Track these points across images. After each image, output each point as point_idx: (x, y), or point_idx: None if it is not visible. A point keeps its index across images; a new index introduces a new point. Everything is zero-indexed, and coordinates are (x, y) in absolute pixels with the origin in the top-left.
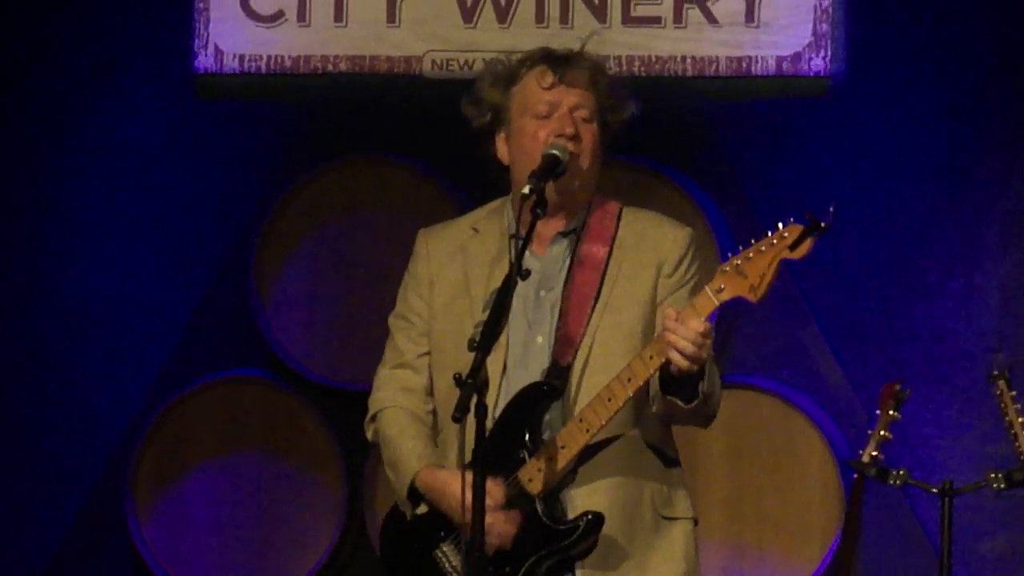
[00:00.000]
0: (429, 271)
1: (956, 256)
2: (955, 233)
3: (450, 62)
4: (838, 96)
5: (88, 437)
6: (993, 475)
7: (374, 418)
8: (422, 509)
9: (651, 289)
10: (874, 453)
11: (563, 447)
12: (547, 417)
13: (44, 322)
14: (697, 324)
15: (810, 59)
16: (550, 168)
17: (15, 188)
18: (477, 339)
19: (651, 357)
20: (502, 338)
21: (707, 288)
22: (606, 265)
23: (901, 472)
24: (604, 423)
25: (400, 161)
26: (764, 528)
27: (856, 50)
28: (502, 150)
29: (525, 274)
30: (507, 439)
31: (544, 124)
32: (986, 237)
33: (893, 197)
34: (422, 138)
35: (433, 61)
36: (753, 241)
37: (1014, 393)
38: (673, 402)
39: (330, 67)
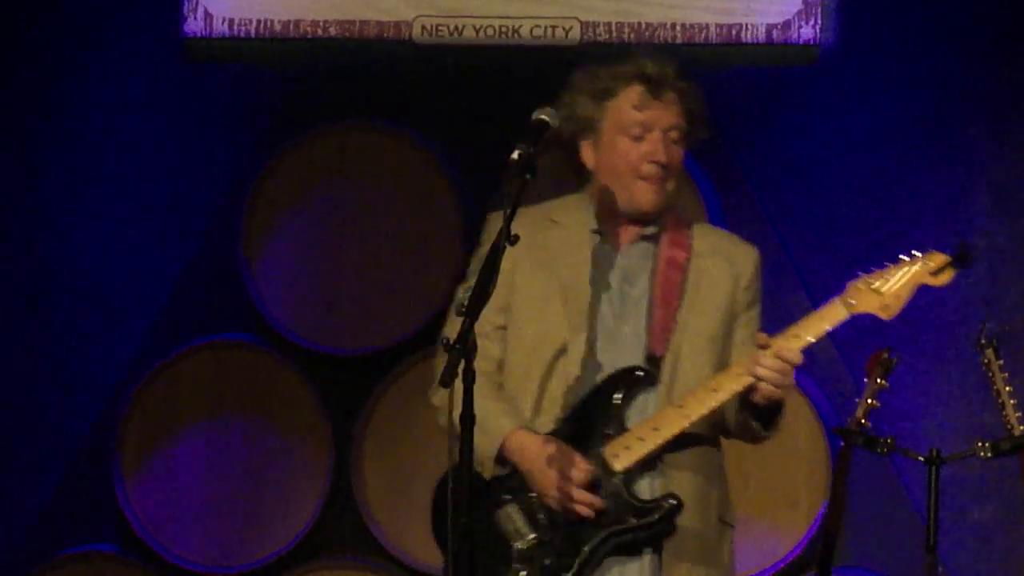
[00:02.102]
0: (510, 251)
1: (944, 224)
2: (944, 201)
3: (439, 28)
4: (827, 64)
5: (75, 400)
6: (980, 444)
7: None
8: (502, 471)
9: (729, 296)
10: (861, 421)
11: (656, 429)
12: (635, 403)
13: (31, 286)
14: (796, 355)
15: (800, 27)
16: (538, 132)
17: (3, 152)
18: (466, 304)
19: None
20: (582, 323)
21: (838, 299)
22: (687, 269)
23: (888, 440)
24: (706, 413)
25: (388, 126)
26: (750, 496)
27: (846, 18)
28: (587, 156)
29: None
30: (595, 415)
31: (635, 146)
32: (975, 205)
33: (881, 165)
34: (411, 103)
35: (423, 26)
36: (888, 264)
37: (1001, 362)
38: (747, 421)
39: (319, 32)
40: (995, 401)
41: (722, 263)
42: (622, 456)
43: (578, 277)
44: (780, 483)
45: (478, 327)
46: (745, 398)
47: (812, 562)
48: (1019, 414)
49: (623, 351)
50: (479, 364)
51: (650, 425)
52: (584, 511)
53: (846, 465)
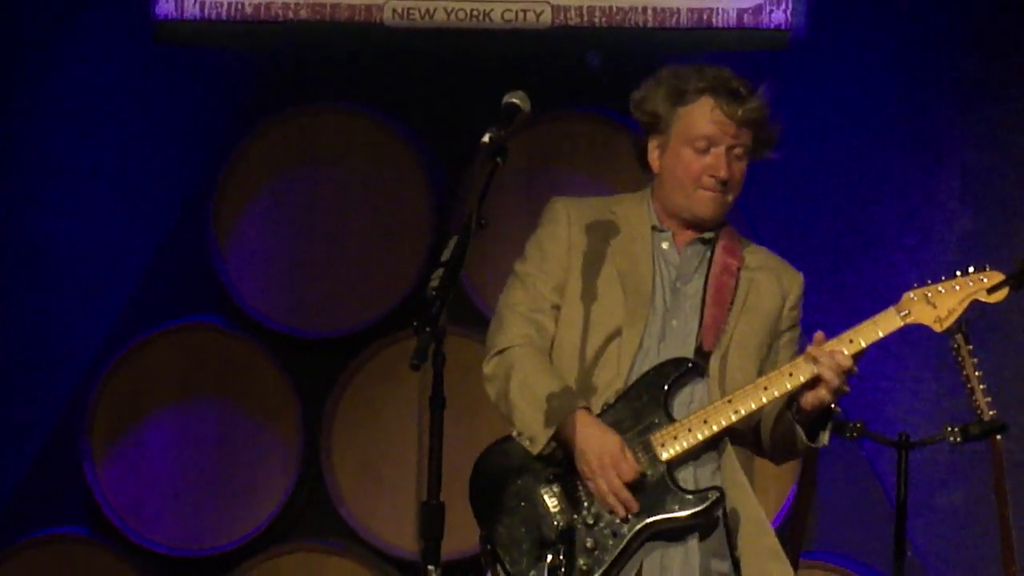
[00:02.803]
0: (569, 235)
1: (913, 209)
2: (912, 187)
3: (411, 11)
4: (798, 49)
5: (45, 383)
6: (949, 429)
7: (503, 353)
8: (549, 449)
9: (776, 312)
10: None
11: (705, 422)
12: (680, 394)
13: (1, 268)
14: (848, 361)
15: (771, 12)
16: (508, 115)
17: None
18: (436, 287)
19: (814, 361)
20: (644, 312)
21: (892, 309)
22: (738, 277)
23: (858, 424)
24: (755, 409)
25: (360, 109)
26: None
27: (816, 3)
28: (653, 156)
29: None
30: (643, 402)
31: (699, 159)
32: (943, 191)
33: (851, 151)
34: (382, 87)
35: (394, 10)
36: (944, 278)
37: (971, 347)
38: (792, 428)
39: (291, 15)
40: (964, 386)
41: (772, 279)
42: (669, 445)
43: (639, 268)
44: (750, 467)
45: (537, 303)
46: (791, 405)
47: (782, 546)
48: (988, 399)
49: (672, 344)
50: (534, 339)
51: (700, 417)
52: (619, 510)
53: (815, 450)
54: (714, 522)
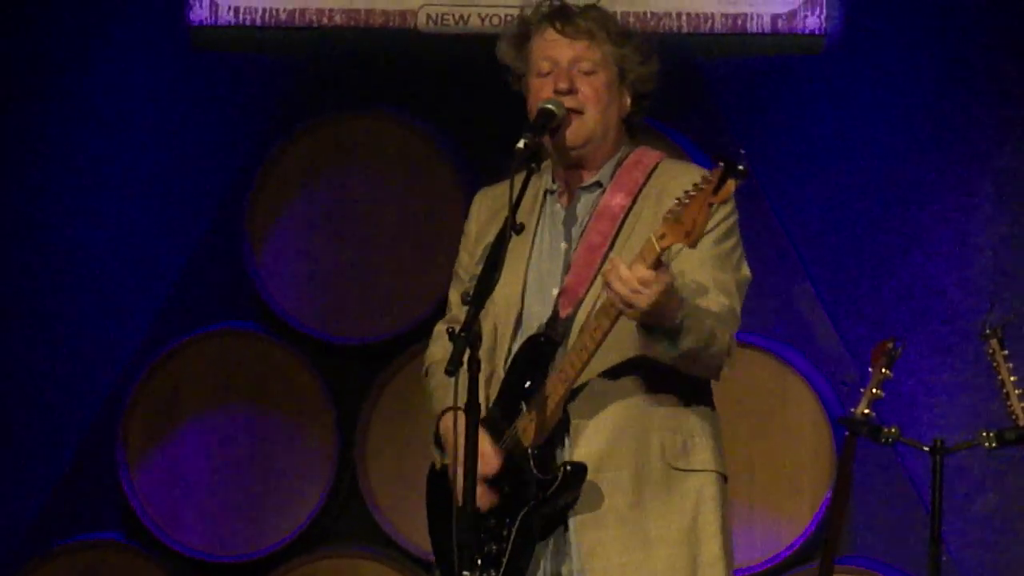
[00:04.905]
0: (477, 229)
1: (949, 213)
2: (949, 191)
3: (445, 16)
4: (832, 54)
5: (80, 389)
6: (984, 434)
7: (426, 372)
8: (448, 459)
9: None
10: (866, 411)
11: (548, 397)
12: (552, 370)
13: (37, 274)
14: (639, 270)
15: (805, 17)
16: (544, 122)
17: (9, 140)
18: (471, 293)
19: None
20: (516, 292)
21: (651, 236)
22: (625, 215)
23: (893, 430)
24: (579, 372)
25: (394, 115)
26: (754, 485)
27: (851, 8)
28: (528, 107)
29: (519, 228)
30: (512, 392)
31: (546, 82)
32: (980, 195)
33: (887, 155)
34: (416, 92)
35: (428, 15)
36: (685, 191)
37: (1006, 352)
38: (658, 353)
39: (325, 20)
40: (999, 391)
41: (665, 200)
42: (527, 430)
43: (522, 243)
44: (785, 473)
45: (451, 312)
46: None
47: (816, 552)
48: (1023, 404)
49: (545, 315)
50: (444, 342)
51: (545, 393)
52: (481, 504)
53: (850, 455)
54: (576, 497)
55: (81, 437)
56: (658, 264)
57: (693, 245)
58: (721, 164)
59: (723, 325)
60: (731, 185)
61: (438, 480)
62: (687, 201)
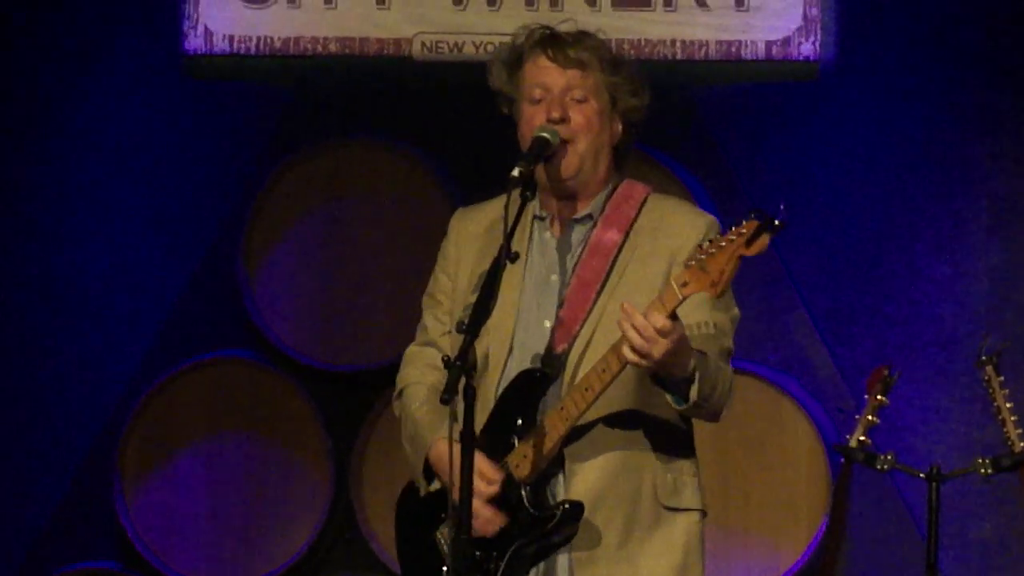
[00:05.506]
0: (457, 252)
1: (944, 240)
2: (943, 217)
3: (439, 45)
4: (827, 81)
5: (76, 417)
6: (980, 461)
7: (400, 395)
8: (435, 486)
9: (663, 276)
10: (861, 438)
11: (547, 434)
12: (544, 404)
13: (32, 302)
14: (655, 319)
15: (799, 44)
16: (538, 151)
17: (3, 168)
18: (466, 321)
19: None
20: (510, 320)
21: (672, 283)
22: (618, 251)
23: (888, 457)
24: (583, 411)
25: (389, 143)
26: (750, 512)
27: (845, 35)
28: (519, 134)
29: (514, 257)
30: (503, 424)
31: (538, 109)
32: (974, 221)
33: (881, 181)
34: (411, 120)
35: (423, 43)
36: (711, 239)
37: (1002, 378)
38: (662, 396)
39: (320, 49)
40: (995, 417)
41: (661, 239)
42: (522, 465)
43: (514, 269)
44: (781, 499)
45: (427, 336)
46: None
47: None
48: (1019, 430)
49: (537, 348)
50: (423, 375)
51: (544, 429)
52: (485, 529)
53: (846, 482)
54: (573, 534)
55: (77, 465)
56: (675, 313)
57: (720, 295)
58: (754, 215)
59: (726, 370)
60: (765, 239)
61: (417, 507)
62: (713, 251)
